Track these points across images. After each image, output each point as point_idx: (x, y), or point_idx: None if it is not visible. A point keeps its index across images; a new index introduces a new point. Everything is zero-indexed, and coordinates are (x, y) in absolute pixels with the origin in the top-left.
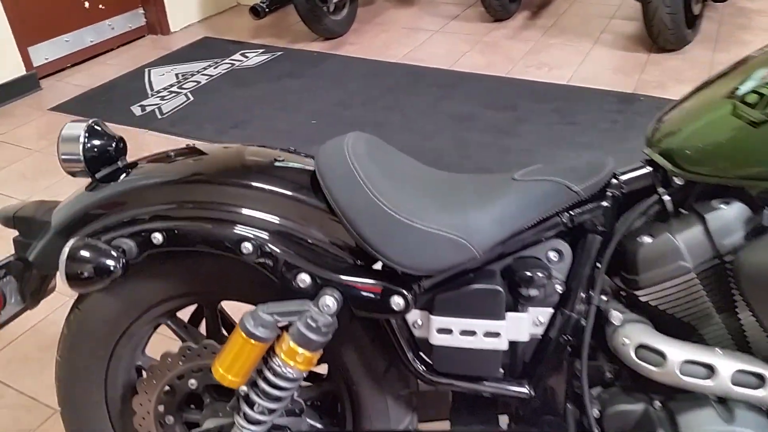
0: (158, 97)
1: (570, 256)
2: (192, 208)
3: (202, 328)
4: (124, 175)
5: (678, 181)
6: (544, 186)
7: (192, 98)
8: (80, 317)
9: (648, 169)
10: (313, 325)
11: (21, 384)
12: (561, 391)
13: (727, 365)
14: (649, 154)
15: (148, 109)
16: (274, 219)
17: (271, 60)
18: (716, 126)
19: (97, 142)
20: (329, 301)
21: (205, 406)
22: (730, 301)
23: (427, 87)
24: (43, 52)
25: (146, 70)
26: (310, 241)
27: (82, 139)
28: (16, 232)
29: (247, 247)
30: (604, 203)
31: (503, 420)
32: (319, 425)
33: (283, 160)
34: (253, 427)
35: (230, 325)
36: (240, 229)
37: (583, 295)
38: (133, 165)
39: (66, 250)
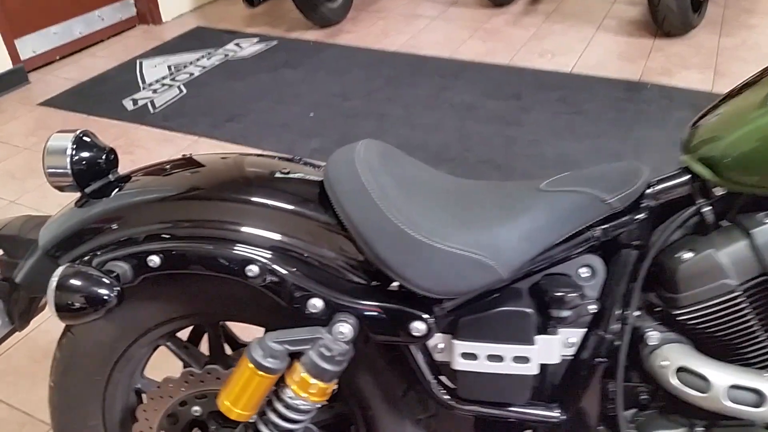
0: (151, 90)
1: (603, 272)
2: (191, 227)
3: (203, 344)
4: (116, 189)
5: (719, 191)
6: (574, 198)
7: (185, 91)
8: (74, 341)
9: (685, 177)
10: (327, 354)
11: (13, 398)
12: (593, 415)
13: None
14: (687, 161)
15: (141, 102)
16: (280, 237)
17: (266, 50)
18: (764, 133)
19: (85, 154)
20: (344, 327)
21: None
22: None
23: (428, 77)
24: (31, 45)
25: (138, 61)
26: (320, 261)
27: (69, 152)
28: None
29: (252, 269)
30: (639, 215)
31: None
32: None
33: (287, 172)
34: None
35: (233, 341)
36: (244, 250)
37: (617, 313)
38: (126, 178)
39: (54, 279)
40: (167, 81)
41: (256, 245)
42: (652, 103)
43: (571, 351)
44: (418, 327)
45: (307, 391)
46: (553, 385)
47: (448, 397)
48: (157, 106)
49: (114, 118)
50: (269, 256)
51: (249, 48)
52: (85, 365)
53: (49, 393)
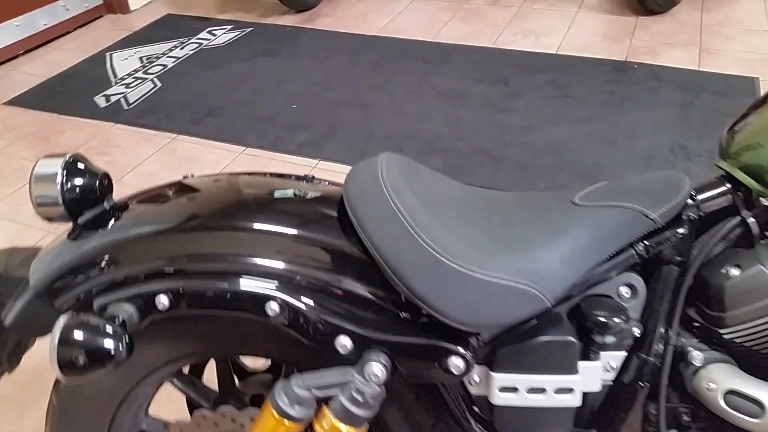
0: (123, 84)
1: (644, 290)
2: (201, 261)
3: (207, 369)
4: (113, 220)
5: (765, 201)
6: (617, 214)
7: (159, 84)
8: (72, 387)
9: (726, 186)
10: (360, 398)
11: (1, 429)
12: None
13: None
14: (728, 169)
15: (113, 99)
16: (300, 268)
17: (241, 37)
18: None
19: (78, 181)
20: (376, 369)
21: None
22: None
23: (412, 62)
24: None
25: (107, 54)
26: (345, 292)
27: (59, 179)
28: None
29: (272, 307)
30: (682, 230)
31: None
32: None
33: (301, 193)
34: None
35: (240, 369)
36: (261, 285)
37: (659, 334)
38: (123, 206)
39: (56, 332)
40: (140, 74)
41: (274, 278)
42: (640, 84)
43: (611, 375)
44: (456, 364)
45: None
46: (592, 411)
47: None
48: (131, 101)
49: (86, 117)
50: (290, 290)
51: (223, 36)
52: (86, 411)
53: None
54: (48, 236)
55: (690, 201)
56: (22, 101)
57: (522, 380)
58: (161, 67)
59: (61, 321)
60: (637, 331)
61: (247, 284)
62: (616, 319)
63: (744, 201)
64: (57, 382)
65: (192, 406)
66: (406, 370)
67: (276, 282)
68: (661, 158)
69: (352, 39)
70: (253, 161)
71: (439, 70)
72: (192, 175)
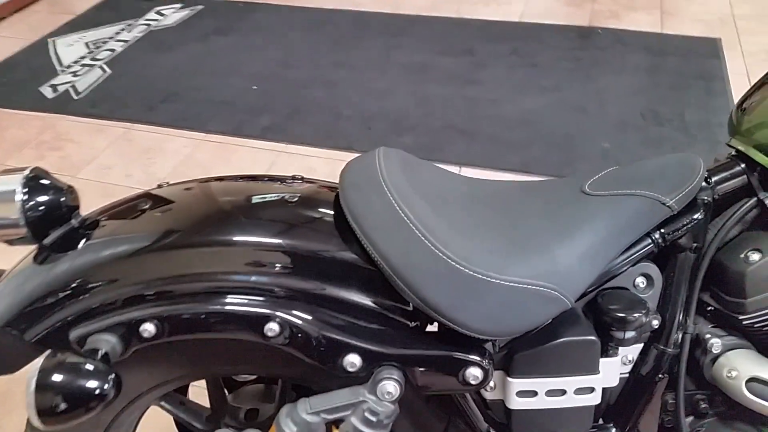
0: (70, 73)
1: (660, 280)
2: (187, 281)
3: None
4: (83, 239)
5: None
6: (632, 203)
7: (109, 71)
8: None
9: (740, 166)
10: (373, 419)
11: None
12: (652, 430)
13: None
14: (743, 149)
15: (61, 89)
16: (297, 282)
17: (192, 16)
18: None
19: (41, 198)
20: (390, 387)
21: None
22: None
23: (374, 36)
24: None
25: (50, 40)
26: (350, 305)
27: (20, 197)
28: None
29: (272, 328)
30: (698, 214)
31: None
32: None
33: (290, 197)
34: None
35: (230, 379)
36: (257, 303)
37: (676, 322)
38: (93, 223)
39: (33, 378)
40: (87, 61)
41: (270, 295)
42: (606, 50)
43: (628, 368)
44: (474, 374)
45: None
46: (608, 405)
47: None
48: (80, 91)
49: (34, 110)
50: (288, 307)
51: (172, 15)
52: None
53: None
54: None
55: (704, 183)
56: None
57: (541, 383)
58: (109, 53)
59: (38, 365)
60: (656, 323)
61: (240, 304)
62: (636, 314)
63: (760, 181)
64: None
65: (181, 427)
66: (420, 384)
67: (272, 298)
68: (632, 125)
69: (310, 13)
70: (217, 148)
71: (402, 43)
72: (167, 183)
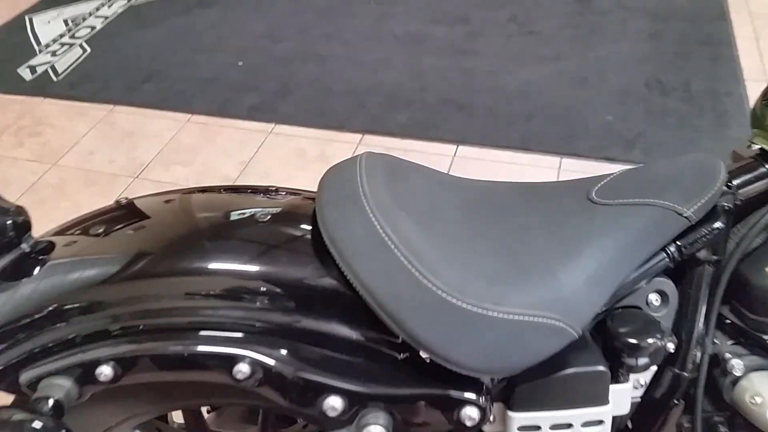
0: (49, 52)
1: (675, 296)
2: (148, 316)
3: None
4: (36, 266)
5: None
6: (645, 214)
7: (89, 49)
8: None
9: (765, 167)
10: None
11: None
12: None
13: None
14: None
15: (40, 69)
16: (270, 315)
17: None
18: None
19: None
20: (376, 431)
21: None
22: None
23: (363, 4)
24: None
25: (27, 17)
26: (329, 339)
27: None
28: None
29: (241, 370)
30: (718, 223)
31: None
32: None
33: (259, 212)
34: None
35: None
36: (225, 343)
37: (694, 343)
38: (46, 247)
39: None
40: (66, 39)
41: (240, 330)
42: (607, 14)
43: (640, 392)
44: (470, 414)
45: None
46: (618, 431)
47: None
48: (59, 71)
49: (12, 93)
50: (260, 344)
51: None
52: None
53: None
54: None
55: (725, 188)
56: None
57: (545, 417)
58: (89, 30)
59: None
60: (671, 347)
61: (206, 343)
62: (650, 339)
63: None
64: None
65: None
66: (409, 427)
67: (242, 335)
68: (636, 95)
69: None
70: (202, 130)
71: (394, 12)
72: (126, 199)
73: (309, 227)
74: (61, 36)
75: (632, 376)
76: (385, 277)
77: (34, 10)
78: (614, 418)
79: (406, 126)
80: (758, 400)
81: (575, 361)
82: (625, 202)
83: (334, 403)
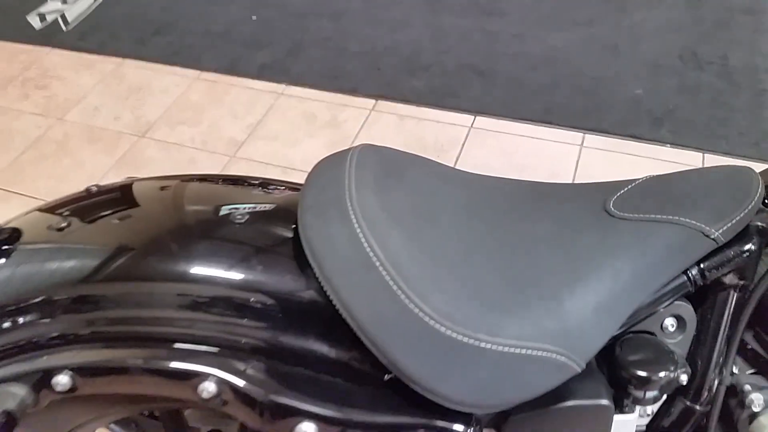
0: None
1: (693, 322)
2: (111, 323)
3: None
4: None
5: None
6: (668, 233)
7: None
8: None
9: None
10: None
11: None
12: None
13: None
14: None
15: (50, 18)
16: (242, 329)
17: None
18: None
19: None
20: None
21: None
22: None
23: None
24: None
25: None
26: (307, 357)
27: None
28: None
29: (207, 389)
30: (749, 245)
31: None
32: None
33: (237, 211)
34: None
35: None
36: (191, 358)
37: (710, 373)
38: (10, 236)
39: None
40: None
41: (209, 344)
42: None
43: (646, 421)
44: None
45: None
46: None
47: None
48: (69, 20)
49: (20, 41)
50: (230, 361)
51: None
52: None
53: None
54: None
55: (761, 205)
56: None
57: None
58: None
59: None
60: (684, 378)
61: (170, 357)
62: (662, 373)
63: None
64: None
65: None
66: None
67: (211, 349)
68: (668, 67)
69: None
70: (210, 88)
71: None
72: (96, 187)
73: (291, 232)
74: None
75: (639, 408)
76: (368, 299)
77: None
78: None
79: (421, 93)
80: None
81: (576, 392)
82: (645, 218)
83: (307, 430)
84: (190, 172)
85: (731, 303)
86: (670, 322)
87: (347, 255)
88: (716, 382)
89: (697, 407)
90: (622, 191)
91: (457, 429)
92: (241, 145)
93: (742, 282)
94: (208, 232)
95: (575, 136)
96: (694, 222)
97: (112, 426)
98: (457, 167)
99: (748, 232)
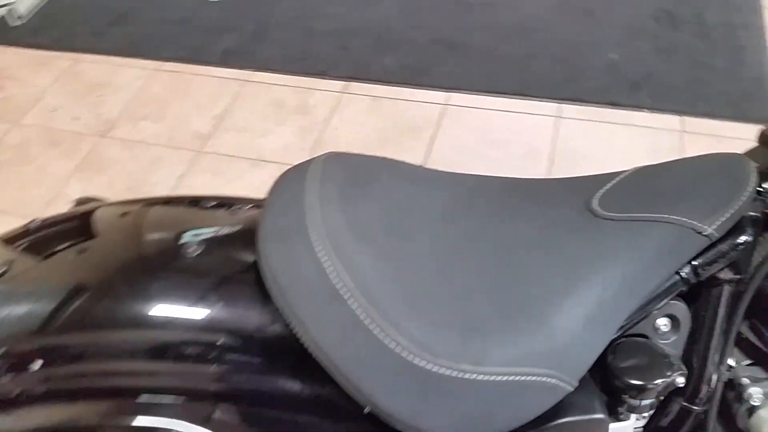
0: None
1: (688, 320)
2: (65, 378)
3: None
4: None
5: None
6: (658, 232)
7: None
8: None
9: None
10: None
11: None
12: None
13: None
14: None
15: (0, 12)
16: (208, 374)
17: None
18: None
19: None
20: None
21: None
22: None
23: None
24: None
25: None
26: (276, 401)
27: None
28: None
29: None
30: (744, 237)
31: None
32: None
33: (197, 239)
34: None
35: None
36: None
37: (707, 372)
38: None
39: None
40: None
41: (169, 393)
42: None
43: (642, 423)
44: None
45: None
46: None
47: None
48: (20, 14)
49: None
50: (192, 413)
51: None
52: None
53: None
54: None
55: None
56: None
57: None
58: None
59: None
60: (681, 381)
61: (124, 410)
62: (658, 380)
63: None
64: None
65: None
66: None
67: (166, 396)
68: (644, 30)
69: None
70: (173, 79)
71: None
72: (40, 220)
73: (254, 262)
74: None
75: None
76: (338, 335)
77: None
78: None
79: (392, 71)
80: None
81: (569, 408)
82: (633, 217)
83: None
84: (149, 193)
85: (726, 298)
86: (663, 323)
87: (313, 288)
88: (714, 379)
89: (695, 407)
90: (607, 187)
91: None
92: (209, 139)
93: (737, 276)
94: (162, 270)
95: (552, 107)
96: (685, 219)
97: None
98: (429, 165)
99: (742, 223)
